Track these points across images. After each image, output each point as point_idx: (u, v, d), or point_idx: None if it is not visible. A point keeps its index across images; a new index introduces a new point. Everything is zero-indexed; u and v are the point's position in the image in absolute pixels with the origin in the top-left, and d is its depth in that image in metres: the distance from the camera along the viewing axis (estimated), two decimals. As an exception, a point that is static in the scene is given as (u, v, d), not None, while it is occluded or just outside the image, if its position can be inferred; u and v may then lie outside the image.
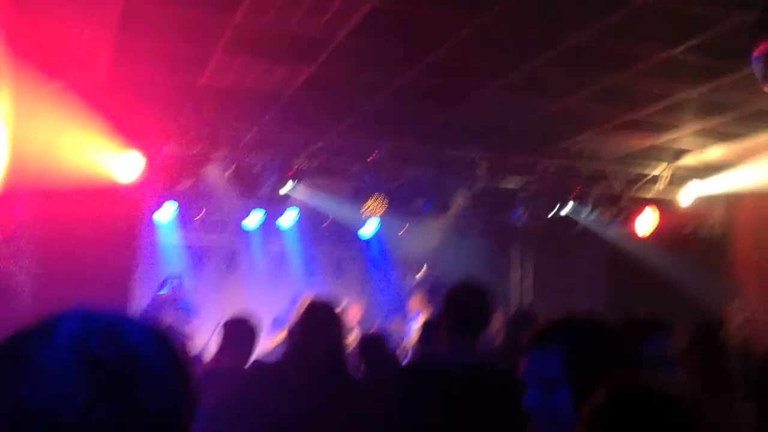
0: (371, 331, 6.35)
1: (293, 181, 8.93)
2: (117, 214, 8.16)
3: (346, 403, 4.14)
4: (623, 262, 10.65)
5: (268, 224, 11.38)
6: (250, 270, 12.65)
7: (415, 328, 9.77)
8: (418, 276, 13.09)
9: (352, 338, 7.24)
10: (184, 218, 11.09)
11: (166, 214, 10.50)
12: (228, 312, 6.45)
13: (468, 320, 3.87)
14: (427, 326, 6.35)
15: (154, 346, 1.17)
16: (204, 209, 11.02)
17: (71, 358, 1.08)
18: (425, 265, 12.91)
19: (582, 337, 2.19)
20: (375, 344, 5.98)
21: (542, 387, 2.16)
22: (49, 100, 6.76)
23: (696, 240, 10.25)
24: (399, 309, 11.27)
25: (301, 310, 4.45)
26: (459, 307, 3.88)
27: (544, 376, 2.16)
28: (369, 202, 9.53)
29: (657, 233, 10.08)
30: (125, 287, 8.41)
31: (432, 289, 11.86)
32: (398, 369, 5.17)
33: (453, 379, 3.75)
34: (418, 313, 10.42)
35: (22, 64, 6.10)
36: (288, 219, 11.04)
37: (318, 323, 4.31)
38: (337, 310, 4.49)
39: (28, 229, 7.21)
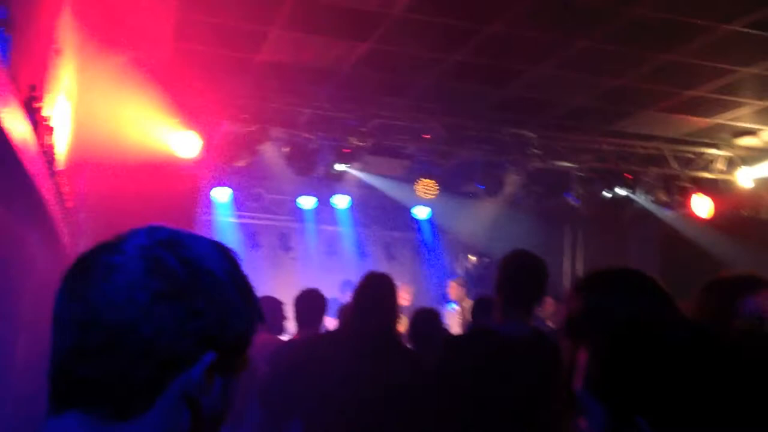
0: (424, 309, 6.32)
1: (347, 160, 8.96)
2: (175, 191, 8.25)
3: (397, 371, 4.14)
4: (678, 245, 10.48)
5: (323, 204, 11.49)
6: (304, 250, 12.78)
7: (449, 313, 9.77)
8: (467, 265, 13.07)
9: (402, 322, 7.31)
10: (240, 198, 11.25)
11: (223, 193, 10.68)
12: (282, 292, 6.60)
13: (523, 291, 3.85)
14: (479, 303, 6.34)
15: (218, 259, 1.22)
16: (260, 190, 11.17)
17: (136, 264, 1.14)
18: (472, 256, 12.84)
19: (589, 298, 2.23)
20: (428, 319, 5.98)
21: None
22: (112, 75, 6.87)
23: (755, 223, 10.04)
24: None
25: (360, 281, 4.49)
26: (514, 278, 3.86)
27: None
28: (421, 184, 9.51)
29: (715, 216, 9.89)
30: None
31: (481, 277, 11.85)
32: (450, 338, 5.16)
33: (508, 347, 3.74)
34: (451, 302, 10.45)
35: (86, 39, 6.23)
36: (342, 199, 11.15)
37: (374, 292, 4.35)
38: (393, 282, 4.51)
39: (87, 202, 7.36)
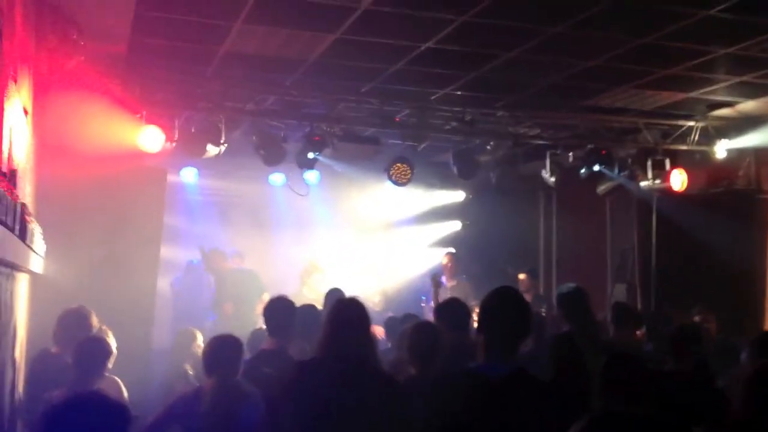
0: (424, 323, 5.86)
1: (317, 148, 8.72)
2: (144, 181, 8.13)
3: (370, 401, 4.03)
4: (655, 219, 10.45)
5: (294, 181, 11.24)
6: (275, 224, 12.61)
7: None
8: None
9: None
10: (208, 176, 11.01)
11: (190, 174, 10.47)
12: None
13: (506, 332, 3.76)
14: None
15: None
16: (229, 168, 10.90)
17: None
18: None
19: None
20: (428, 334, 5.45)
21: None
22: (69, 79, 6.67)
23: (729, 194, 9.99)
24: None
25: (329, 309, 4.38)
26: (496, 318, 3.77)
27: None
28: (395, 169, 9.30)
29: (689, 187, 9.82)
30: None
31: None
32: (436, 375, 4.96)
33: (489, 389, 3.66)
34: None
35: (41, 46, 5.96)
36: (313, 176, 10.89)
37: (344, 322, 4.24)
38: (364, 305, 4.41)
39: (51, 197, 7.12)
